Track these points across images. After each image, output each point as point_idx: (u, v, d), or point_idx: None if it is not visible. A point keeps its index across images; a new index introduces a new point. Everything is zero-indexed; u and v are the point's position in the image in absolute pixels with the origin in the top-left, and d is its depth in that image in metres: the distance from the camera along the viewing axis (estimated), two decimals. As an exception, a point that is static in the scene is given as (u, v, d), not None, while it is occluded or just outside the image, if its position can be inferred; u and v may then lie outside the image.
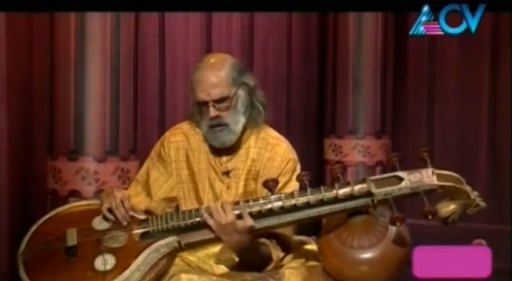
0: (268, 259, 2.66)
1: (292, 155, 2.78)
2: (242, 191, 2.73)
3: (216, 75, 2.67)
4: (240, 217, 2.53)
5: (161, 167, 2.80)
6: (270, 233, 2.64)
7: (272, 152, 2.76)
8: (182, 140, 2.80)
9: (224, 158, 2.77)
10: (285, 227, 2.61)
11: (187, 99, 4.56)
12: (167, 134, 2.85)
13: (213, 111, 2.67)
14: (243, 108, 2.72)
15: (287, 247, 2.72)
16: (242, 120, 2.73)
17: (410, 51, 5.98)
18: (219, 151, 2.76)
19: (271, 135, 2.81)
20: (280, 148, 2.77)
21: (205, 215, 2.54)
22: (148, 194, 2.79)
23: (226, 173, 2.76)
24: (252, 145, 2.77)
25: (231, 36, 4.97)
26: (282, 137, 2.83)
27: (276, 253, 2.67)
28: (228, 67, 2.71)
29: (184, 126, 2.84)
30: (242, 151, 2.77)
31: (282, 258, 2.70)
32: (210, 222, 2.54)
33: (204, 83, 2.67)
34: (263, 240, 2.65)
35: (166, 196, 2.78)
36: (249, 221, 2.52)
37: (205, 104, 2.68)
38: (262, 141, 2.78)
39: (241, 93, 2.72)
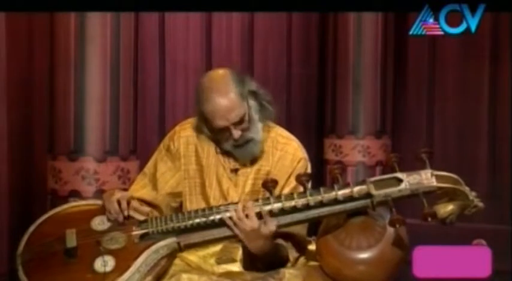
0: (285, 259, 2.68)
1: (303, 154, 2.79)
2: (249, 190, 2.74)
3: (228, 98, 2.64)
4: (261, 218, 2.53)
5: (169, 161, 2.81)
6: (285, 234, 2.65)
7: (283, 151, 2.77)
8: (192, 134, 2.81)
9: (233, 156, 2.77)
10: (283, 228, 2.61)
11: (187, 99, 4.61)
12: (177, 128, 2.85)
13: (236, 133, 2.66)
14: (257, 115, 2.72)
15: (302, 247, 2.73)
16: (260, 126, 2.73)
17: (410, 51, 5.97)
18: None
19: (281, 134, 2.81)
20: (291, 147, 2.78)
21: (230, 223, 2.54)
22: (155, 188, 2.80)
23: (235, 170, 2.76)
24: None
25: (231, 36, 4.97)
26: (292, 136, 2.83)
27: (292, 253, 2.69)
28: (233, 85, 2.67)
29: (194, 121, 2.83)
30: None
31: (297, 258, 2.72)
32: (235, 230, 2.54)
33: (219, 111, 2.64)
34: (280, 241, 2.66)
35: (172, 191, 2.79)
36: (272, 226, 2.52)
37: (226, 128, 2.67)
38: (272, 140, 2.78)
39: (251, 102, 2.71)
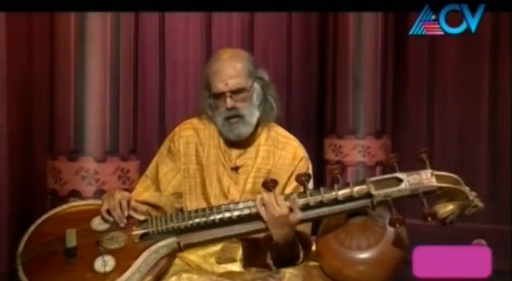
0: (297, 255, 2.68)
1: (303, 153, 2.80)
2: (250, 188, 2.74)
3: (234, 66, 2.71)
4: (290, 210, 2.54)
5: (170, 162, 2.81)
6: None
7: (283, 150, 2.78)
8: (192, 134, 2.82)
9: (234, 154, 2.78)
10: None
11: (187, 99, 4.61)
12: (177, 128, 2.86)
13: (230, 102, 2.69)
14: (257, 102, 2.75)
15: (306, 245, 2.73)
16: (257, 113, 2.75)
17: (410, 51, 5.97)
18: (229, 147, 2.78)
19: (282, 134, 2.83)
20: (291, 146, 2.79)
21: (259, 205, 2.54)
22: (158, 189, 2.80)
23: (235, 168, 2.77)
24: (262, 143, 2.79)
25: (231, 36, 4.98)
26: (292, 136, 2.84)
27: (301, 251, 2.69)
28: (245, 60, 2.75)
29: (194, 121, 2.85)
30: (252, 148, 2.78)
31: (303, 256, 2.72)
32: (263, 213, 2.54)
33: (221, 73, 2.70)
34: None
35: (175, 191, 2.79)
36: (299, 214, 2.53)
37: (221, 95, 2.70)
38: (272, 139, 2.79)
39: (257, 86, 2.75)
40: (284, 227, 2.54)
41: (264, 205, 2.54)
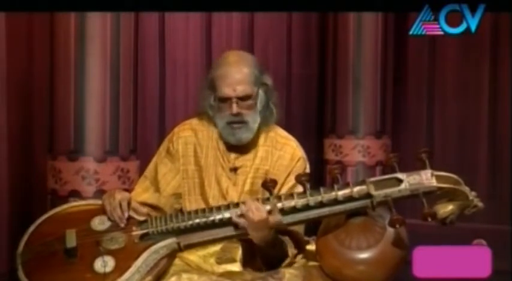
0: (285, 254, 2.68)
1: (302, 153, 2.81)
2: (248, 189, 2.75)
3: (241, 72, 2.70)
4: (269, 212, 2.54)
5: (169, 162, 2.81)
6: (283, 230, 2.65)
7: (282, 150, 2.78)
8: (191, 135, 2.82)
9: (232, 155, 2.78)
10: (283, 228, 2.61)
11: (187, 99, 4.61)
12: (176, 129, 2.86)
13: (235, 108, 2.69)
14: (260, 108, 2.75)
15: (300, 244, 2.74)
16: (258, 119, 2.75)
17: (410, 51, 5.98)
18: (227, 148, 2.78)
19: (280, 134, 2.83)
20: (290, 147, 2.80)
21: (235, 215, 2.54)
22: (157, 190, 2.80)
23: (234, 169, 2.77)
24: (261, 144, 2.79)
25: (231, 36, 4.97)
26: (290, 136, 2.85)
27: (291, 249, 2.70)
28: (251, 65, 2.74)
29: (193, 122, 2.85)
30: (251, 149, 2.78)
31: (296, 255, 2.72)
32: (242, 221, 2.54)
33: (229, 78, 2.69)
34: (279, 236, 2.66)
35: (174, 191, 2.79)
36: (278, 217, 2.53)
37: (227, 100, 2.70)
38: (271, 140, 2.80)
39: (261, 93, 2.75)
40: (262, 230, 2.55)
41: (241, 213, 2.54)
